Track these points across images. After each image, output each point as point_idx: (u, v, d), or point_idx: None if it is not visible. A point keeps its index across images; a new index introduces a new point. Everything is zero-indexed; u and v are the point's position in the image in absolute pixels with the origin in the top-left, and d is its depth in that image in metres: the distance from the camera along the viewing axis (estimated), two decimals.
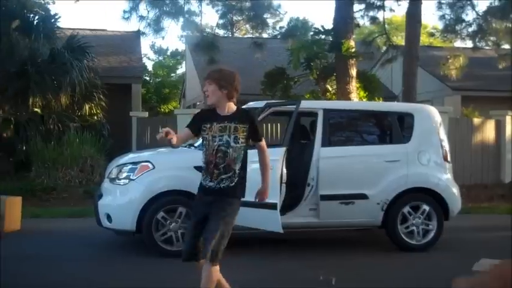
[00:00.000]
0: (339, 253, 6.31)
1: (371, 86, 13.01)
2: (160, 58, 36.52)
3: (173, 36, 69.64)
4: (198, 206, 3.89)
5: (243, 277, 4.90)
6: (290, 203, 6.25)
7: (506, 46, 20.31)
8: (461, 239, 7.14)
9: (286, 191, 6.44)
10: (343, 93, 12.15)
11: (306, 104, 6.59)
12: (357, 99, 12.18)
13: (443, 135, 6.72)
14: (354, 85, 12.29)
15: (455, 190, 6.59)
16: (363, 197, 6.24)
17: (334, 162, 6.30)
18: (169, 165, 6.22)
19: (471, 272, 4.06)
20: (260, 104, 6.36)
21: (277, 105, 6.46)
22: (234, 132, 3.78)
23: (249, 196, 5.52)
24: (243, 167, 3.80)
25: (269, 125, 12.06)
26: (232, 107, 3.86)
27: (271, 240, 6.48)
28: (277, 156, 5.55)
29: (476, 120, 13.06)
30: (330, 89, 12.80)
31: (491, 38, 20.09)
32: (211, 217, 3.71)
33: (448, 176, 6.63)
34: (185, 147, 6.17)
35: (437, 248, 6.37)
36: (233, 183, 3.76)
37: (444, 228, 6.45)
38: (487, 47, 21.17)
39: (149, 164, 6.06)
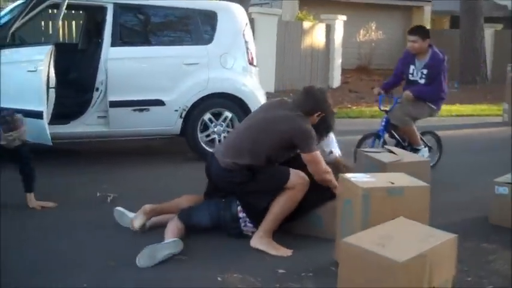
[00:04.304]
0: (130, 164, 5.77)
1: None
2: None
3: None
4: None
5: None
6: (77, 110, 5.58)
7: None
8: None
9: (74, 96, 5.81)
10: None
11: None
12: None
13: (249, 37, 6.25)
14: None
15: (260, 96, 6.24)
16: (159, 103, 5.69)
17: (125, 64, 5.63)
18: None
19: None
20: None
21: None
22: None
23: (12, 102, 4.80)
24: None
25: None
26: None
27: (56, 152, 5.74)
28: (41, 56, 4.77)
29: (306, 24, 12.88)
30: None
31: None
32: None
33: (253, 81, 6.26)
34: None
35: None
36: None
37: None
38: None
39: None
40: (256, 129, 3.64)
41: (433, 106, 5.49)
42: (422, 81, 5.40)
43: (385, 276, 2.63)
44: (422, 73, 5.38)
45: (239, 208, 3.64)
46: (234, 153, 3.61)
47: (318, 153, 3.62)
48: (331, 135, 4.60)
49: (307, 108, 3.69)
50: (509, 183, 4.16)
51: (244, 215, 3.63)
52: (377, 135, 5.52)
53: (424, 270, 2.70)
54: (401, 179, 3.44)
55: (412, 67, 5.46)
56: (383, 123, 5.49)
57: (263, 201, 3.58)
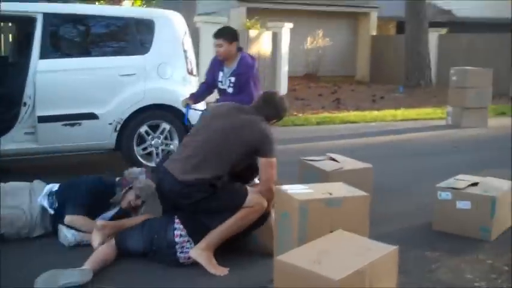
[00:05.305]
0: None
1: None
2: None
3: None
4: None
5: None
6: (3, 126, 5.23)
7: None
8: None
9: (1, 112, 5.46)
10: None
11: (19, 7, 5.39)
12: (129, 5, 11.18)
13: (188, 46, 6.03)
14: None
15: (199, 106, 5.98)
16: (92, 116, 5.39)
17: (55, 77, 5.28)
18: None
19: None
20: None
21: None
22: None
23: None
24: None
25: None
26: None
27: None
28: None
29: (253, 33, 12.77)
30: None
31: None
32: None
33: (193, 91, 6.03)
34: None
35: None
36: None
37: None
38: None
39: None
40: (220, 140, 3.41)
41: None
42: (230, 90, 4.82)
43: None
44: (230, 81, 4.81)
45: (176, 233, 3.37)
46: (195, 168, 3.35)
47: (275, 159, 3.51)
48: None
49: (269, 114, 3.63)
50: (452, 188, 4.07)
51: (181, 239, 3.36)
52: None
53: (362, 287, 2.54)
54: (340, 189, 3.28)
55: (220, 74, 4.89)
56: None
57: (217, 220, 3.37)
